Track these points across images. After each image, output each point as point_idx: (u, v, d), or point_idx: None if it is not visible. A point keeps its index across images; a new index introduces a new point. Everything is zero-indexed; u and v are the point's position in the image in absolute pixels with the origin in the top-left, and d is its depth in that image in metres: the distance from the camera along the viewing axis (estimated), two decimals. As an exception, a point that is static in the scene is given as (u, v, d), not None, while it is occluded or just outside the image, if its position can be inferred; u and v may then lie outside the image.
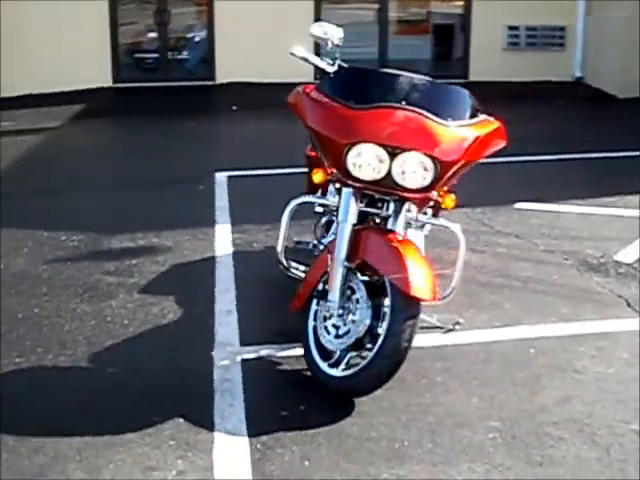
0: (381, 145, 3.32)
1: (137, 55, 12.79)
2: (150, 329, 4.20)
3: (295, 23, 12.40)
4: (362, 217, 3.73)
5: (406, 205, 3.62)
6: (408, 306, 3.28)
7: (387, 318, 3.30)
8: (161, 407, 3.40)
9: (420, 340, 3.92)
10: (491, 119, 3.64)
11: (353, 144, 3.34)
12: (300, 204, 3.81)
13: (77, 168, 8.13)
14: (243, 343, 4.01)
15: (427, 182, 3.39)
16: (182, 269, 5.13)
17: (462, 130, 3.42)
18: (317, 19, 12.56)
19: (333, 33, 3.62)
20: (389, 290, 3.32)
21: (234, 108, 11.07)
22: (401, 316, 3.28)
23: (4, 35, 11.57)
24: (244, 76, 12.13)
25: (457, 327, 4.10)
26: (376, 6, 13.07)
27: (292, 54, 3.64)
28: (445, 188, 3.64)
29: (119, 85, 12.22)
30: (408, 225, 3.93)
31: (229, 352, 3.90)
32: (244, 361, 3.83)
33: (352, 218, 3.52)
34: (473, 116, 3.51)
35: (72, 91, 11.66)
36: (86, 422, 3.30)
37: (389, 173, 3.37)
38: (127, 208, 6.54)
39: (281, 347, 3.91)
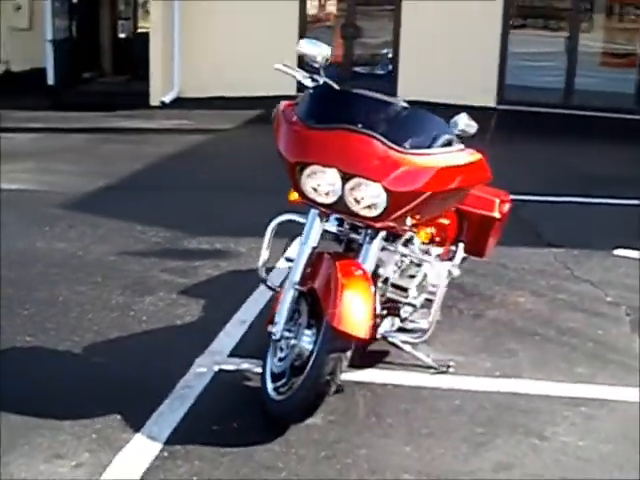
0: (332, 168, 3.20)
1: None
2: (161, 328, 4.33)
3: (480, 47, 12.15)
4: (349, 244, 3.65)
5: (382, 234, 3.46)
6: (334, 339, 3.12)
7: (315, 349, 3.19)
8: (113, 401, 3.49)
9: (402, 378, 3.77)
10: (471, 151, 3.38)
11: (304, 164, 3.24)
12: (283, 222, 3.79)
13: (217, 169, 8.49)
14: (232, 354, 4.02)
15: (377, 212, 3.21)
16: (234, 275, 5.21)
17: (423, 159, 3.19)
18: (504, 44, 12.19)
19: (319, 52, 3.52)
20: (324, 320, 3.19)
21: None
22: (326, 348, 3.13)
23: (204, 40, 12.36)
24: (423, 95, 12.03)
25: (450, 370, 3.86)
26: (565, 34, 12.41)
27: (277, 69, 3.62)
28: (417, 218, 3.40)
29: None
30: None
31: (212, 361, 3.92)
32: (220, 372, 3.84)
33: (313, 241, 3.42)
34: (447, 146, 3.29)
35: (257, 97, 12.16)
36: (39, 403, 3.47)
37: (342, 198, 3.23)
38: (229, 212, 6.73)
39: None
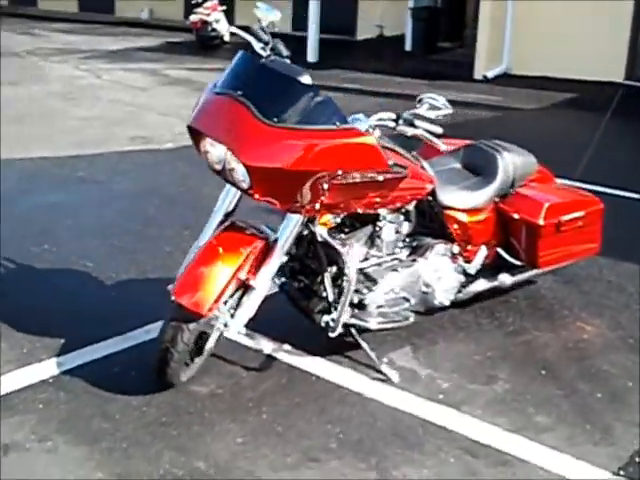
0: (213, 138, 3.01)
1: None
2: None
3: None
4: None
5: (297, 216, 3.14)
6: (175, 310, 3.03)
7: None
8: (79, 328, 3.76)
9: (336, 374, 3.48)
10: (359, 131, 2.95)
11: (191, 129, 3.10)
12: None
13: None
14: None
15: (246, 184, 2.96)
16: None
17: (288, 134, 2.87)
18: None
19: (266, 16, 3.31)
20: None
21: None
22: (169, 316, 3.07)
23: (537, 17, 11.68)
24: None
25: (394, 380, 3.40)
26: None
27: (232, 33, 3.46)
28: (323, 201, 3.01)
29: (630, 82, 11.25)
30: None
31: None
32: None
33: (224, 208, 3.31)
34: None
35: (580, 80, 11.19)
36: (30, 315, 3.87)
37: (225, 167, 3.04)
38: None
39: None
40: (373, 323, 3.43)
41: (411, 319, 3.57)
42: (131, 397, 3.22)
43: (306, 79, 3.00)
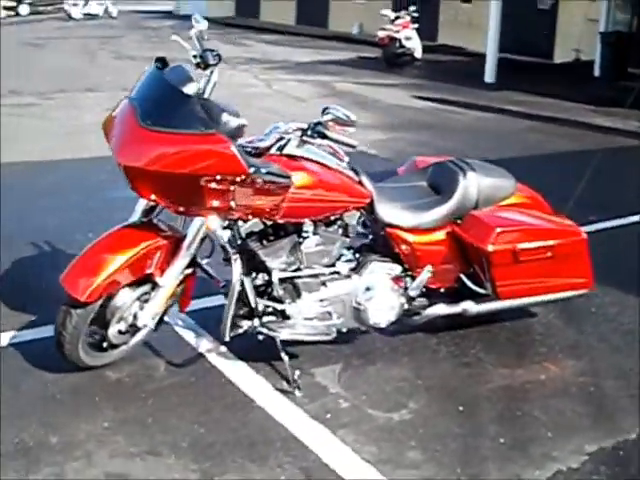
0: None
1: None
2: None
3: None
4: None
5: (201, 219, 3.17)
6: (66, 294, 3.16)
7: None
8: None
9: (246, 380, 3.44)
10: (219, 137, 2.98)
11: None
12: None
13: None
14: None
15: (130, 184, 3.02)
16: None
17: (153, 136, 2.94)
18: None
19: (197, 25, 3.34)
20: None
21: None
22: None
23: None
24: None
25: (297, 393, 3.31)
26: None
27: (174, 40, 3.50)
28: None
29: None
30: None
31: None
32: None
33: (141, 208, 3.41)
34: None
35: None
36: (17, 292, 4.22)
37: None
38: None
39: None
40: (284, 334, 3.36)
41: (333, 335, 3.44)
42: (48, 374, 3.41)
43: (189, 88, 3.06)
